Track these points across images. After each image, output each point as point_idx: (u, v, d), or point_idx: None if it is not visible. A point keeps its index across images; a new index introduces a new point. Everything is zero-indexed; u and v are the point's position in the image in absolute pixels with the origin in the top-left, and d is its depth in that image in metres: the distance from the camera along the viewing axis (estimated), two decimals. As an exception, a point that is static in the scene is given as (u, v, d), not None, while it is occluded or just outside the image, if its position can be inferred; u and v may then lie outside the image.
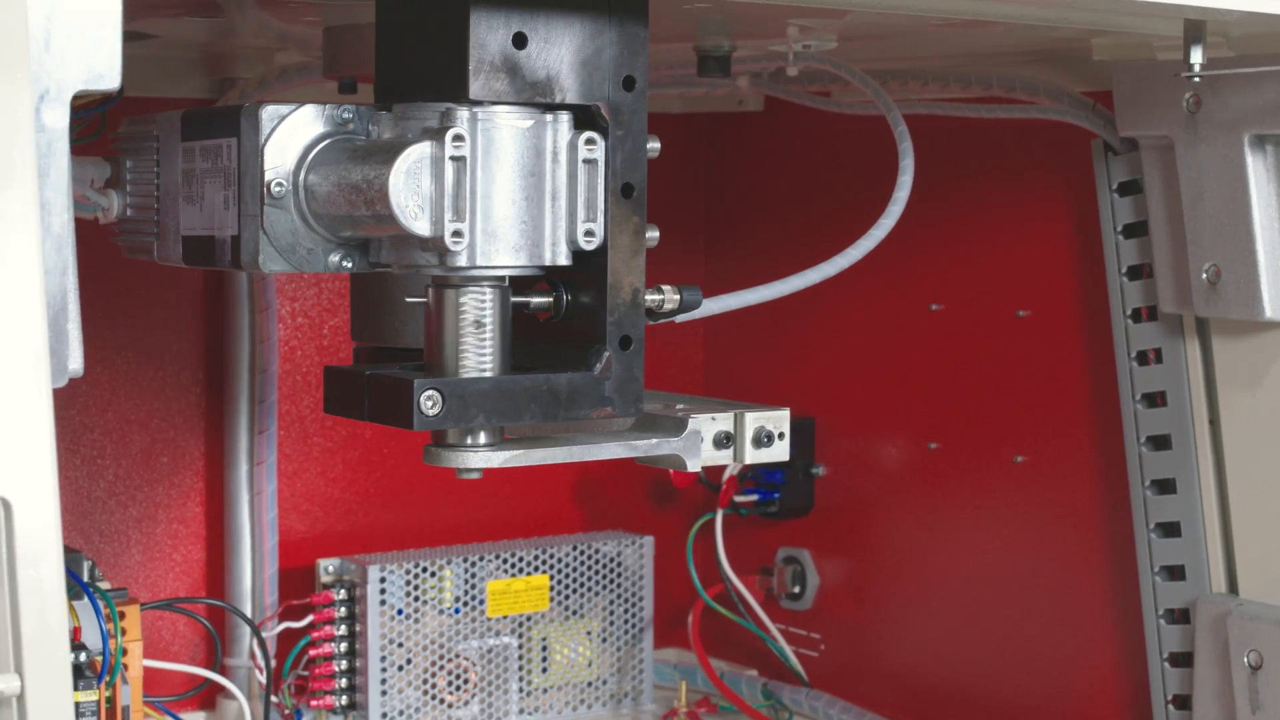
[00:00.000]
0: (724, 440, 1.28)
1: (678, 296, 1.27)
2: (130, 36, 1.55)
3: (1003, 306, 1.77)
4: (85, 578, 1.50)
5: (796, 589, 1.97)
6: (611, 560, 1.92)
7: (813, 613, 1.98)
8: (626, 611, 1.94)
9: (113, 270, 1.68)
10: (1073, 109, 1.62)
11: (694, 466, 1.27)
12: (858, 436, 1.93)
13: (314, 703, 1.78)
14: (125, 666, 1.54)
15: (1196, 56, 1.37)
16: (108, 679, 1.45)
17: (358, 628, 1.79)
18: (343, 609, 1.79)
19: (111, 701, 1.45)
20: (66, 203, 0.97)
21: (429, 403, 1.13)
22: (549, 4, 1.15)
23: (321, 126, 1.18)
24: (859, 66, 1.75)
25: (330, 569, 1.80)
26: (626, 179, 1.19)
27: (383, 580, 1.78)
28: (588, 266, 1.19)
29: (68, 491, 1.74)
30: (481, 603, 1.85)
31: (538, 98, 1.16)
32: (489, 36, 1.13)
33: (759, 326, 2.01)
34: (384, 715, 1.79)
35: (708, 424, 1.27)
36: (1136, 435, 1.62)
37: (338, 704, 1.79)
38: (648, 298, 1.26)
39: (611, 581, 1.92)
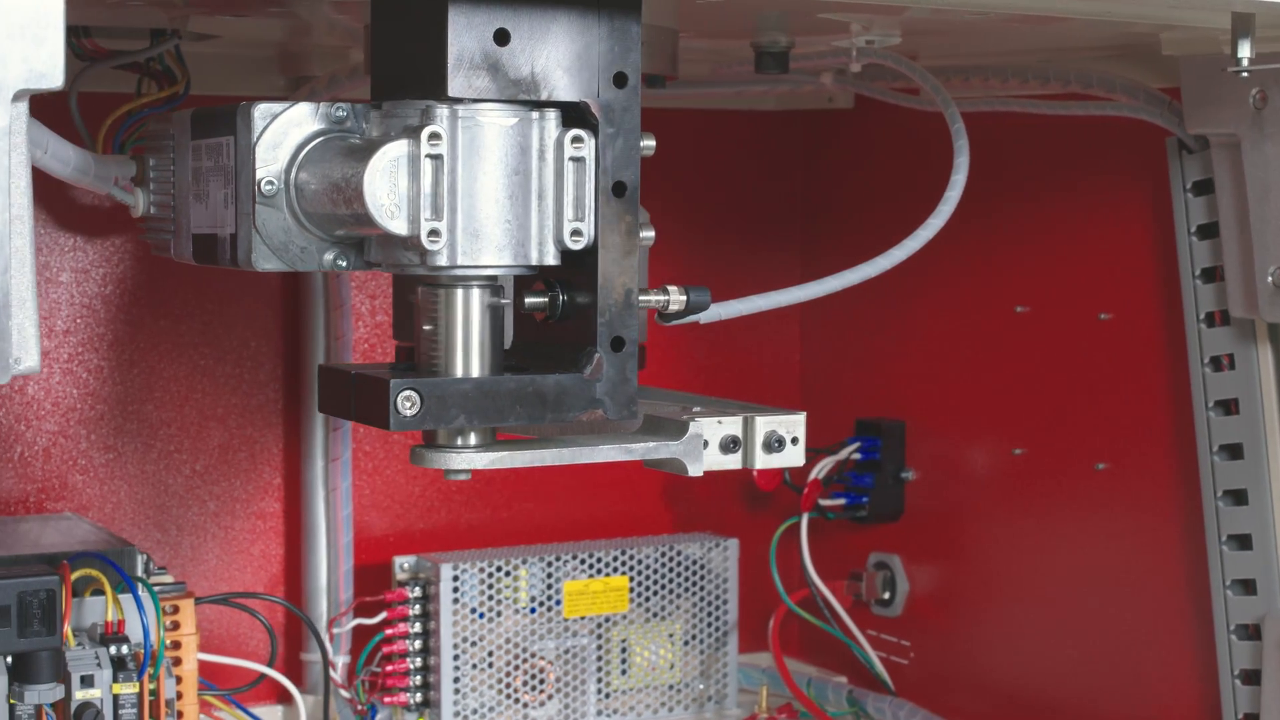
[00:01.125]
0: (730, 444, 1.25)
1: (684, 298, 1.25)
2: (193, 37, 1.58)
3: (1085, 309, 1.72)
4: (139, 571, 1.52)
5: (886, 595, 1.94)
6: (696, 563, 1.90)
7: (902, 620, 1.94)
8: (710, 615, 1.91)
9: (190, 267, 1.70)
10: (1148, 105, 1.57)
11: (695, 471, 1.24)
12: (947, 441, 1.89)
13: (388, 699, 1.78)
14: (179, 660, 1.55)
15: (1245, 50, 1.32)
16: (151, 670, 1.46)
17: (431, 625, 1.79)
18: (417, 607, 1.79)
19: (155, 694, 1.47)
20: (6, 200, 0.98)
21: (407, 403, 1.12)
22: (532, 0, 1.13)
23: (317, 124, 1.17)
24: (933, 63, 1.72)
25: (405, 566, 1.81)
26: (618, 177, 1.17)
27: (456, 579, 1.78)
28: (580, 266, 1.18)
29: (144, 485, 1.76)
30: (558, 603, 1.84)
31: (522, 95, 1.14)
32: (468, 33, 1.12)
33: (854, 329, 1.98)
34: (457, 714, 1.78)
35: (712, 428, 1.25)
36: (1210, 444, 1.56)
37: (411, 701, 1.79)
38: (652, 298, 1.24)
39: (695, 584, 1.90)
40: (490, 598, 1.80)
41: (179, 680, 1.55)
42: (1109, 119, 1.62)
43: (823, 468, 1.91)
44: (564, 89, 1.15)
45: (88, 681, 1.42)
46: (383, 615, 1.78)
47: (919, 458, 1.91)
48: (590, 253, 1.17)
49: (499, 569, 1.81)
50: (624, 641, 1.87)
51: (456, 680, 1.78)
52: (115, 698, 1.44)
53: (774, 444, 1.26)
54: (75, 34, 1.53)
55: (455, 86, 1.12)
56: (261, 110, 1.16)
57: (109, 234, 1.73)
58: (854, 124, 1.98)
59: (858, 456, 1.92)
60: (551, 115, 1.16)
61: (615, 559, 1.86)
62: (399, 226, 1.12)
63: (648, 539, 1.91)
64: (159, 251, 1.35)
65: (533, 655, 1.83)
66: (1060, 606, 1.76)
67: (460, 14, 1.12)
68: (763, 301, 1.36)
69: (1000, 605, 1.83)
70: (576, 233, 1.16)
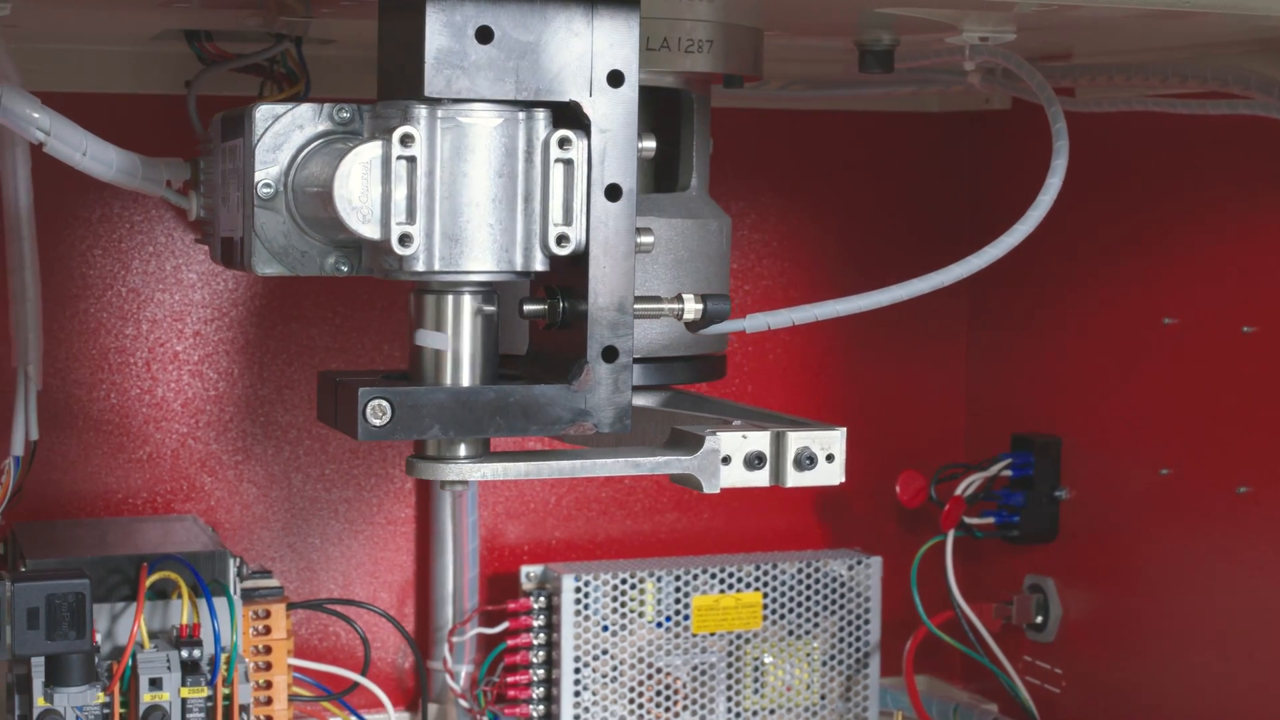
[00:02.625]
0: (755, 461, 1.20)
1: (700, 306, 1.20)
2: (314, 40, 1.58)
3: (1230, 321, 1.62)
4: (231, 575, 1.53)
5: (1039, 619, 1.85)
6: (835, 580, 1.84)
7: (1055, 646, 1.84)
8: (852, 635, 1.85)
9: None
10: (1288, 104, 1.47)
11: (711, 488, 1.19)
12: (1101, 458, 1.79)
13: (509, 710, 1.76)
14: (270, 664, 1.56)
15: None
16: (224, 674, 1.46)
17: (555, 637, 1.76)
18: (541, 617, 1.77)
19: (230, 699, 1.47)
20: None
21: (377, 412, 1.10)
22: (516, -4, 1.10)
23: (320, 126, 1.15)
24: (1086, 61, 1.64)
25: (532, 575, 1.78)
26: (612, 180, 1.12)
27: (579, 590, 1.75)
28: (575, 273, 1.14)
29: (273, 488, 1.77)
30: (687, 618, 1.79)
31: (506, 95, 1.11)
32: (447, 31, 1.09)
33: (1018, 341, 1.90)
34: (579, 727, 1.76)
35: (734, 443, 1.19)
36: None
37: (534, 713, 1.77)
38: (666, 307, 1.19)
39: (836, 602, 1.84)
40: (616, 610, 1.77)
41: (269, 685, 1.56)
42: (1258, 122, 1.52)
43: (969, 484, 1.83)
44: (552, 88, 1.11)
45: (156, 684, 1.43)
46: (505, 625, 1.76)
47: (1074, 475, 1.82)
48: (584, 259, 1.13)
49: (624, 581, 1.77)
50: (758, 660, 1.82)
51: (578, 694, 1.76)
52: (184, 701, 1.44)
53: (805, 461, 1.20)
54: (196, 37, 1.54)
55: (433, 86, 1.09)
56: (263, 111, 1.15)
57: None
58: (1013, 124, 1.89)
59: (1009, 473, 1.84)
60: (541, 116, 1.12)
61: (748, 574, 1.81)
62: (371, 230, 1.09)
63: (787, 554, 1.85)
64: (211, 256, 1.35)
65: (659, 670, 1.79)
66: (1226, 639, 1.65)
67: (439, 11, 1.09)
68: (819, 310, 1.30)
69: (1160, 635, 1.72)
70: (563, 238, 1.12)
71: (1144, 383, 1.72)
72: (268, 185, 1.14)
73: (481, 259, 1.11)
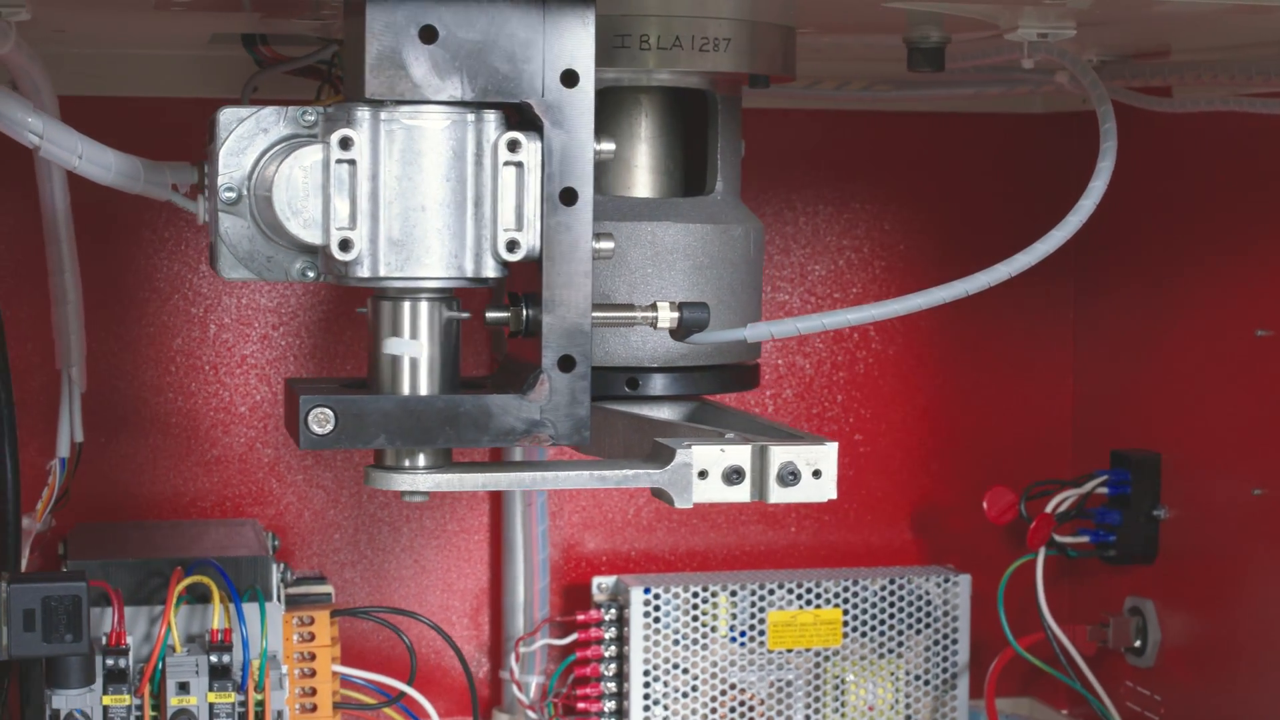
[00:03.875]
0: (734, 475, 1.15)
1: (675, 315, 1.15)
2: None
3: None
4: (274, 581, 1.51)
5: (1137, 643, 1.76)
6: (921, 598, 1.77)
7: (1154, 672, 1.75)
8: (939, 654, 1.78)
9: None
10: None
11: (683, 503, 1.14)
12: (1200, 476, 1.70)
13: (578, 722, 1.73)
14: (314, 671, 1.54)
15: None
16: (255, 680, 1.45)
17: (626, 649, 1.72)
18: (612, 629, 1.73)
19: (261, 705, 1.46)
20: None
21: (320, 420, 1.07)
22: (463, -5, 1.06)
23: (284, 129, 1.13)
24: (1184, 59, 1.56)
25: (603, 587, 1.75)
26: (567, 184, 1.08)
27: (649, 602, 1.71)
28: (533, 279, 1.10)
29: (342, 492, 1.76)
30: (762, 633, 1.74)
31: (453, 96, 1.07)
32: (389, 32, 1.06)
33: (1123, 354, 1.82)
34: (649, 742, 1.72)
35: (711, 456, 1.14)
36: None
37: (603, 726, 1.73)
38: (640, 315, 1.15)
39: (920, 620, 1.77)
40: (688, 624, 1.72)
41: (313, 692, 1.54)
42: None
43: (1061, 501, 1.74)
44: (503, 89, 1.07)
45: (184, 688, 1.42)
46: (574, 636, 1.73)
47: (1174, 494, 1.73)
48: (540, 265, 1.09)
49: (696, 594, 1.72)
50: (839, 678, 1.76)
51: (648, 708, 1.72)
52: (211, 706, 1.43)
53: (788, 476, 1.15)
54: (252, 41, 1.54)
55: (374, 88, 1.06)
56: (226, 115, 1.13)
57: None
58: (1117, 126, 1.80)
59: (1105, 490, 1.75)
60: (491, 117, 1.08)
61: (828, 590, 1.75)
62: (312, 236, 1.07)
63: (871, 570, 1.79)
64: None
65: (733, 686, 1.74)
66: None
67: (380, 11, 1.06)
68: (827, 320, 1.24)
69: (1265, 662, 1.63)
70: (514, 244, 1.08)
71: (1238, 397, 1.63)
72: (230, 189, 1.12)
73: (430, 265, 1.08)
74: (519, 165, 1.07)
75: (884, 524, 1.87)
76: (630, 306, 1.15)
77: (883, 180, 1.84)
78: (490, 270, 1.09)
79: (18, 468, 1.48)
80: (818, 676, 1.75)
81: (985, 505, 1.75)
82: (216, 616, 1.46)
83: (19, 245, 1.64)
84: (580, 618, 1.73)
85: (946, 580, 1.78)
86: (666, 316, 1.15)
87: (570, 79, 1.08)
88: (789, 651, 1.75)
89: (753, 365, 1.41)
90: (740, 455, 1.15)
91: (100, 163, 1.26)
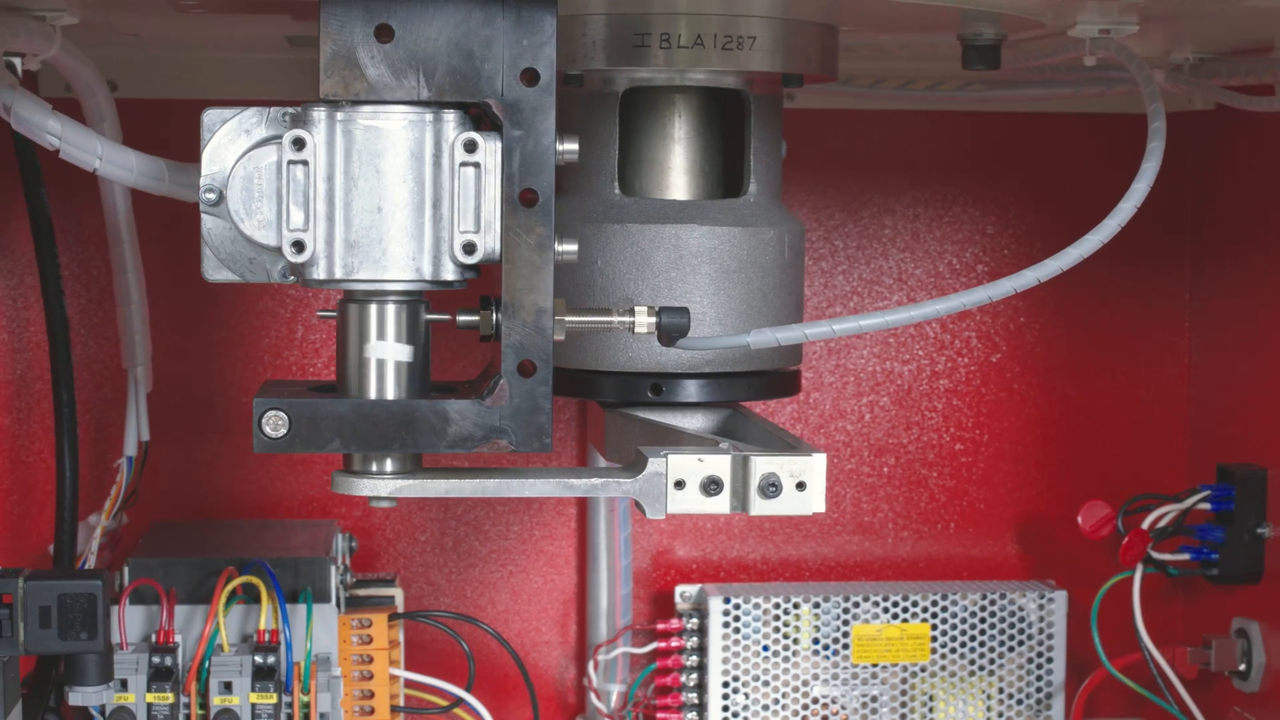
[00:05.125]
0: (712, 486, 1.12)
1: (652, 320, 1.12)
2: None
3: None
4: (333, 582, 1.52)
5: (1242, 666, 1.68)
6: (1014, 614, 1.71)
7: (1260, 697, 1.67)
8: (1033, 673, 1.72)
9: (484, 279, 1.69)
10: None
11: (655, 513, 1.12)
12: (1304, 493, 1.62)
13: (658, 731, 1.71)
14: (371, 674, 1.54)
15: None
16: (299, 682, 1.46)
17: (706, 659, 1.70)
18: (694, 639, 1.71)
19: (308, 707, 1.46)
20: None
21: (274, 424, 1.07)
22: (419, -7, 1.05)
23: (265, 130, 1.12)
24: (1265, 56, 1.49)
25: (686, 596, 1.72)
26: (527, 185, 1.06)
27: (728, 612, 1.68)
28: (494, 282, 1.08)
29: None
30: (847, 647, 1.70)
31: (409, 96, 1.06)
32: (343, 31, 1.05)
33: (1232, 367, 1.74)
34: (730, 755, 1.69)
35: (688, 466, 1.12)
36: None
37: (684, 735, 1.71)
38: (616, 320, 1.12)
39: (1014, 638, 1.72)
40: (769, 635, 1.69)
41: (370, 695, 1.54)
42: None
43: (1160, 517, 1.67)
44: (458, 88, 1.06)
45: (227, 688, 1.44)
46: (654, 645, 1.71)
47: (1280, 511, 1.65)
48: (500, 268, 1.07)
49: (777, 605, 1.69)
50: (928, 695, 1.71)
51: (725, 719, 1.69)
52: (253, 706, 1.44)
53: (768, 488, 1.12)
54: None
55: (328, 88, 1.05)
56: (210, 116, 1.13)
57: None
58: (1224, 127, 1.73)
59: (1208, 506, 1.67)
60: (450, 117, 1.07)
61: (915, 603, 1.70)
62: (267, 237, 1.06)
63: (965, 584, 1.74)
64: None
65: (816, 700, 1.70)
66: None
67: (334, 11, 1.05)
68: (837, 326, 1.20)
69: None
70: (470, 246, 1.06)
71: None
72: (211, 190, 1.12)
73: (388, 267, 1.07)
74: (476, 166, 1.06)
75: (985, 537, 1.81)
76: (607, 311, 1.12)
77: (986, 182, 1.79)
78: (449, 273, 1.07)
79: (77, 467, 1.51)
80: (905, 693, 1.71)
81: (1080, 519, 1.69)
82: (263, 616, 1.47)
83: (95, 246, 1.66)
84: (660, 627, 1.71)
85: (1043, 596, 1.72)
86: (644, 321, 1.12)
87: (530, 78, 1.06)
88: (874, 666, 1.70)
89: (791, 372, 1.38)
90: (719, 465, 1.12)
91: (121, 164, 1.27)
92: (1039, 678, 1.72)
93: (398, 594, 1.58)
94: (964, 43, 1.40)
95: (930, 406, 1.79)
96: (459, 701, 1.57)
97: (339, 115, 1.06)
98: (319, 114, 1.06)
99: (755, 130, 1.34)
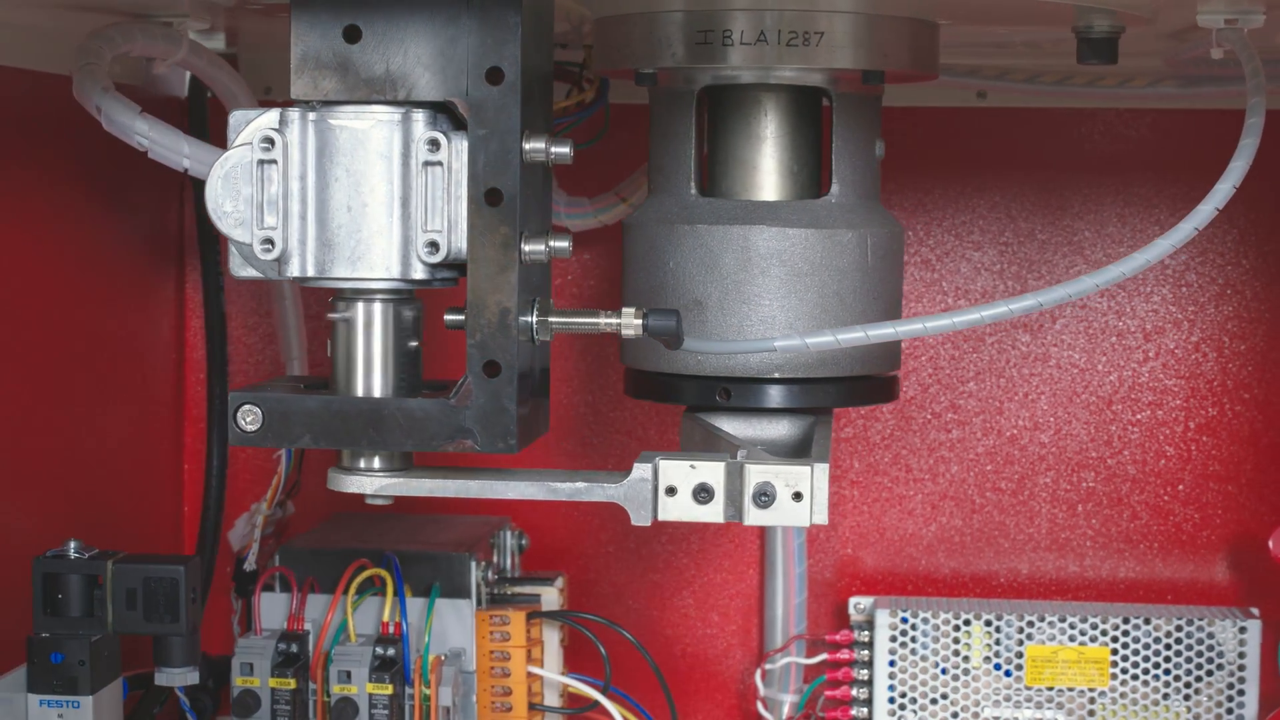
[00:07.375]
0: (702, 494, 1.09)
1: (640, 321, 1.10)
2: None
3: None
4: (473, 579, 1.54)
5: None
6: (1202, 641, 1.61)
7: None
8: (1222, 704, 1.62)
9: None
10: None
11: (641, 520, 1.10)
12: None
13: (826, 744, 1.67)
14: (507, 672, 1.56)
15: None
16: (419, 675, 1.48)
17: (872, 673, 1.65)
18: (865, 651, 1.66)
19: (429, 700, 1.48)
20: None
21: (248, 418, 1.09)
22: (385, -8, 1.06)
23: (283, 130, 1.15)
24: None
25: (861, 607, 1.68)
26: (491, 184, 1.05)
27: (895, 626, 1.63)
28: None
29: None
30: (1020, 668, 1.63)
31: (376, 95, 1.06)
32: (312, 32, 1.06)
33: None
34: (898, 774, 1.64)
35: (680, 473, 1.09)
36: None
37: (854, 750, 1.67)
38: (602, 321, 1.11)
39: (1201, 666, 1.62)
40: (939, 651, 1.63)
41: (508, 692, 1.55)
42: None
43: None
44: (425, 88, 1.06)
45: (346, 677, 1.47)
46: (823, 656, 1.67)
47: None
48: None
49: (947, 621, 1.63)
50: (1110, 723, 1.63)
51: (892, 737, 1.64)
52: (370, 696, 1.47)
53: (760, 498, 1.08)
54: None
55: (298, 88, 1.07)
56: (236, 117, 1.15)
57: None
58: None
59: (1405, 530, 1.55)
60: (419, 117, 1.07)
61: (1095, 626, 1.62)
62: (240, 234, 1.08)
63: (1152, 607, 1.65)
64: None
65: (989, 721, 1.64)
66: None
67: (304, 13, 1.06)
68: (873, 332, 1.16)
69: None
70: (432, 245, 1.06)
71: None
72: (234, 190, 1.15)
73: (360, 265, 1.08)
74: (439, 165, 1.06)
75: (1191, 559, 1.71)
76: (595, 312, 1.11)
77: (1149, 182, 1.70)
78: (418, 272, 1.07)
79: (225, 456, 1.56)
80: (1083, 719, 1.62)
81: (1271, 544, 1.58)
82: (387, 609, 1.49)
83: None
84: (830, 638, 1.67)
85: (1235, 623, 1.61)
86: (631, 323, 1.10)
87: (495, 77, 1.05)
88: (1049, 690, 1.63)
89: (886, 378, 1.33)
90: (710, 473, 1.09)
91: (208, 163, 1.32)
92: (1229, 710, 1.61)
93: (549, 593, 1.59)
94: (1077, 35, 1.33)
95: (1130, 418, 1.70)
96: (594, 704, 1.56)
97: (311, 116, 1.07)
98: (292, 114, 1.07)
99: (840, 129, 1.29)
